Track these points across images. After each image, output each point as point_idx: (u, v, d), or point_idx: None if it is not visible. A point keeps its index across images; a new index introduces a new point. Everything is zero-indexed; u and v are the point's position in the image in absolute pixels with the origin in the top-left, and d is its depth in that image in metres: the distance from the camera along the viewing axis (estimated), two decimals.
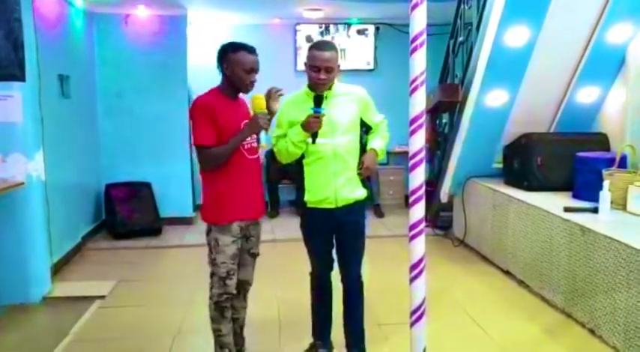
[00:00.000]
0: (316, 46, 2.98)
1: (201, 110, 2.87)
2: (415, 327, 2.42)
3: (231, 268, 2.97)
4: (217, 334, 3.04)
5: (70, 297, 4.42)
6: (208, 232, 2.99)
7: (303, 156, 3.08)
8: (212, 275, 2.99)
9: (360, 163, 3.07)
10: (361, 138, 3.15)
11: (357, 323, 3.23)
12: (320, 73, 2.93)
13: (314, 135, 2.97)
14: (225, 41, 2.95)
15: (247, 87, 2.94)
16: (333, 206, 3.06)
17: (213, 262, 2.97)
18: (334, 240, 3.19)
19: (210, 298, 3.00)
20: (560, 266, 4.02)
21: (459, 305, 4.19)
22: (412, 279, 2.40)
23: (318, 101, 2.94)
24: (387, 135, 3.20)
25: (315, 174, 3.07)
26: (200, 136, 2.85)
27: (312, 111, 2.92)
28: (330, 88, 3.02)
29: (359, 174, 3.07)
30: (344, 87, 3.12)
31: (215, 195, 2.95)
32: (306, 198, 3.10)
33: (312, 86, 3.01)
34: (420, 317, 2.41)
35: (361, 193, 3.12)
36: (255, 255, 3.19)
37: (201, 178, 3.02)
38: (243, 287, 3.19)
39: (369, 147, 3.11)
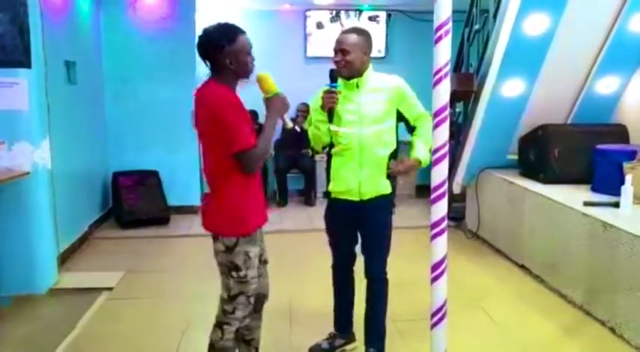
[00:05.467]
0: (341, 31, 2.99)
1: (234, 108, 2.46)
2: (436, 329, 2.33)
3: (256, 283, 2.66)
4: None
5: (77, 289, 4.34)
6: (232, 248, 2.53)
7: (332, 146, 3.03)
8: (234, 297, 2.58)
9: (396, 162, 2.98)
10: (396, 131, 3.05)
11: (377, 320, 3.14)
12: (336, 55, 2.91)
13: (330, 116, 2.93)
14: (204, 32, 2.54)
15: (251, 70, 2.58)
16: (357, 199, 3.01)
17: (242, 280, 2.56)
18: (359, 236, 3.14)
19: (229, 323, 2.61)
20: (579, 262, 3.91)
21: (474, 300, 4.09)
22: (434, 279, 2.31)
23: (333, 76, 2.90)
24: (430, 136, 2.92)
25: (341, 164, 3.01)
26: (245, 138, 2.43)
27: (327, 87, 2.89)
28: (360, 76, 2.94)
29: (388, 169, 2.98)
30: (378, 77, 3.00)
31: (237, 202, 2.54)
32: (331, 187, 3.07)
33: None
34: (441, 319, 2.32)
35: (386, 187, 3.02)
36: (266, 262, 2.87)
37: (217, 187, 2.55)
38: (262, 302, 2.86)
39: (414, 155, 2.99)
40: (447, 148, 2.28)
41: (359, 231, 3.11)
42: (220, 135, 2.42)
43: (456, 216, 6.23)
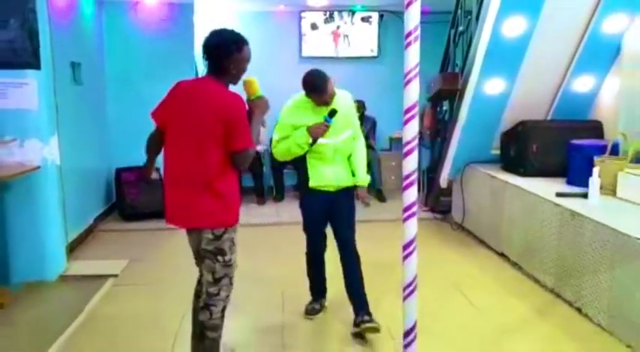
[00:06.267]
0: (313, 89, 3.45)
1: (246, 111, 2.75)
2: (407, 301, 2.60)
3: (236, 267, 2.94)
4: (218, 341, 2.92)
5: (84, 276, 4.64)
6: (220, 236, 2.79)
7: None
8: (219, 280, 2.84)
9: (360, 196, 3.73)
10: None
11: (359, 289, 3.61)
12: (328, 102, 3.49)
13: (314, 141, 3.47)
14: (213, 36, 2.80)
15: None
16: (333, 189, 3.63)
17: (227, 264, 2.83)
18: (330, 219, 3.70)
19: (214, 305, 2.85)
20: (550, 249, 4.20)
21: (454, 286, 4.39)
22: (405, 257, 2.58)
23: (333, 114, 3.44)
24: (363, 154, 3.74)
25: (318, 166, 3.59)
26: (250, 138, 2.74)
27: (324, 120, 3.43)
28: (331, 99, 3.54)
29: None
30: (340, 94, 3.60)
31: (234, 195, 2.83)
32: (311, 184, 3.60)
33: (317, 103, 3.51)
34: (411, 292, 2.59)
35: (354, 180, 3.69)
36: None
37: (212, 182, 2.73)
38: None
39: (358, 181, 3.67)
40: (416, 141, 2.57)
41: (333, 214, 3.66)
42: (229, 133, 2.67)
43: (444, 209, 6.52)
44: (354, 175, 3.67)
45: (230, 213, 2.81)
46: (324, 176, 3.58)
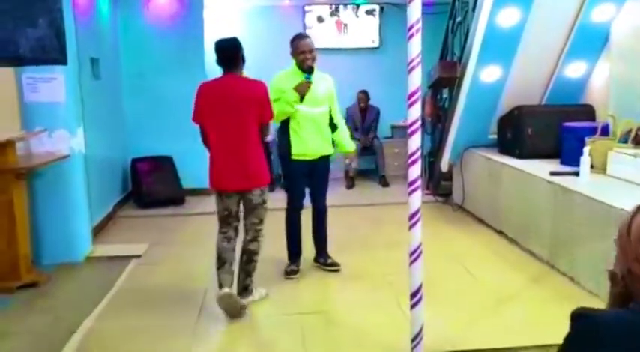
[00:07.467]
0: (299, 37, 4.31)
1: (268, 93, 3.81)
2: (413, 266, 2.92)
3: None
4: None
5: (109, 257, 4.98)
6: (264, 191, 3.82)
7: (289, 121, 4.25)
8: (263, 220, 3.87)
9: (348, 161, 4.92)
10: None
11: (323, 235, 4.55)
12: (306, 54, 4.20)
13: (302, 98, 4.16)
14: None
15: None
16: (311, 158, 4.32)
17: (266, 208, 3.88)
18: (309, 181, 4.42)
19: (260, 236, 3.88)
20: (545, 224, 4.53)
21: (455, 260, 4.71)
22: (411, 226, 2.91)
23: (310, 72, 4.19)
24: (345, 133, 4.60)
25: (299, 135, 4.26)
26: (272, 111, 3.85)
27: (304, 78, 4.16)
28: (312, 69, 4.22)
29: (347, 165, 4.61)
30: (320, 72, 4.36)
31: (265, 161, 3.84)
32: (293, 151, 4.27)
33: (300, 65, 4.22)
34: (417, 258, 2.91)
35: (330, 149, 4.44)
36: None
37: (253, 150, 3.72)
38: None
39: (348, 148, 4.60)
40: (419, 123, 2.89)
41: (312, 178, 4.39)
42: (263, 109, 3.70)
43: (445, 192, 6.82)
44: (334, 146, 4.46)
45: (267, 174, 3.84)
46: (305, 145, 4.25)
